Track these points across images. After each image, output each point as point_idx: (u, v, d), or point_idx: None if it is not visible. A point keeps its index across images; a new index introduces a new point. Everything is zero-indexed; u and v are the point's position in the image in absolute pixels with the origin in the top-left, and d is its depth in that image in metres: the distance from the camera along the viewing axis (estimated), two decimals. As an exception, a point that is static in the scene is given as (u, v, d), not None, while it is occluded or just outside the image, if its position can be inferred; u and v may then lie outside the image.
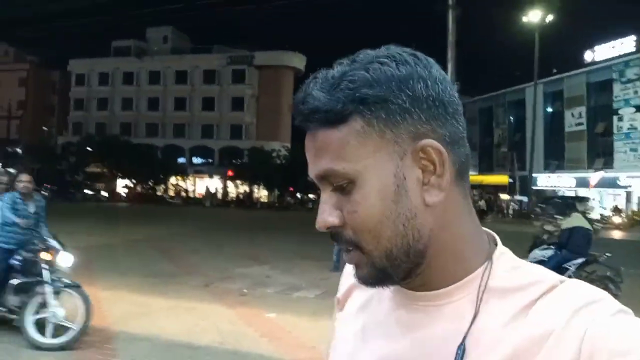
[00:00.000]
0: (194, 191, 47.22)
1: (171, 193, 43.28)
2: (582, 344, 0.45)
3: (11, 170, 5.87)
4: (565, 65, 38.80)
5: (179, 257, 10.54)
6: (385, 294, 0.62)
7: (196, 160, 50.79)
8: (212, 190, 40.26)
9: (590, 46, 36.98)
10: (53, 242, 4.91)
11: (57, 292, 4.69)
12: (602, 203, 34.87)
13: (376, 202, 0.52)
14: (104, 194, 39.35)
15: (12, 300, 4.81)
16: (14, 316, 4.78)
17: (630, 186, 32.93)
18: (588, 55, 37.01)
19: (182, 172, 45.19)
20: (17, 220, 4.92)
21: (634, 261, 10.57)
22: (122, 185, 42.75)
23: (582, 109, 37.43)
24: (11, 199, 5.01)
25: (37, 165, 45.71)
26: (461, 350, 0.51)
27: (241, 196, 41.74)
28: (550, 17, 29.69)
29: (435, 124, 0.53)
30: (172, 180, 45.15)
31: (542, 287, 0.52)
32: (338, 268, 9.36)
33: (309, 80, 0.56)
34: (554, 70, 39.41)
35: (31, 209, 5.06)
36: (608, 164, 34.88)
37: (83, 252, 10.31)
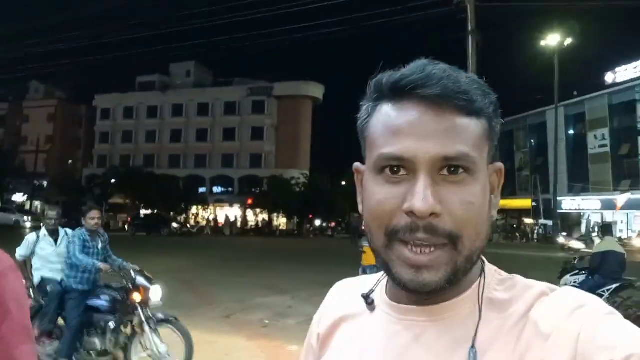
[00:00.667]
0: (215, 220, 47.54)
1: (192, 222, 43.56)
2: (578, 343, 0.48)
3: (57, 206, 5.61)
4: (586, 88, 38.49)
5: (199, 287, 10.48)
6: (383, 317, 0.61)
7: (217, 189, 51.32)
8: (232, 219, 40.41)
9: (611, 68, 36.68)
10: (141, 280, 4.60)
11: (155, 329, 4.52)
12: (630, 225, 33.80)
13: (485, 201, 0.54)
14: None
15: (111, 342, 4.56)
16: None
17: (660, 208, 31.87)
18: (609, 77, 36.64)
19: (203, 201, 45.60)
20: (101, 265, 4.55)
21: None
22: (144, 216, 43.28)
23: (605, 131, 36.78)
24: (80, 239, 4.63)
25: (62, 198, 46.86)
26: (473, 353, 0.52)
27: (260, 224, 41.80)
28: (569, 40, 29.56)
29: (494, 155, 0.58)
30: (194, 209, 45.54)
31: (534, 294, 0.55)
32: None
33: (427, 63, 0.55)
34: (575, 93, 39.03)
35: (99, 244, 4.74)
36: (635, 185, 33.96)
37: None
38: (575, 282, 7.30)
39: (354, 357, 0.61)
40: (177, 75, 55.80)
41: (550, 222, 34.72)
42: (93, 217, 4.71)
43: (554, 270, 8.13)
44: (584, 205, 37.37)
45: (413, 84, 0.52)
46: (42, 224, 5.23)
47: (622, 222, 34.30)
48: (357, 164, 0.64)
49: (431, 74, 0.53)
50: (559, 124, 34.64)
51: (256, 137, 51.08)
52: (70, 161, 57.54)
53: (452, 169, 0.52)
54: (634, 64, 35.12)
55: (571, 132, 40.25)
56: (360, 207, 0.61)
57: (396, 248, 0.53)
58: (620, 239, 26.71)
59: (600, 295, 6.88)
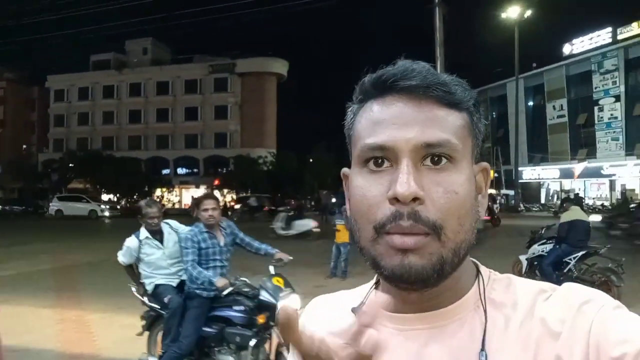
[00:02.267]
0: (180, 202, 46.61)
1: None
2: (590, 338, 0.48)
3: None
4: (545, 60, 39.39)
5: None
6: (382, 330, 0.57)
7: (181, 171, 50.24)
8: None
9: (568, 39, 37.57)
10: (266, 295, 3.71)
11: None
12: (587, 193, 35.27)
13: (470, 191, 0.54)
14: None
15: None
16: None
17: (614, 175, 33.36)
18: (566, 49, 37.58)
19: (167, 183, 44.61)
20: (218, 283, 3.64)
21: (628, 251, 10.57)
22: (106, 200, 42.03)
23: (564, 102, 37.92)
24: (193, 241, 3.76)
25: (18, 184, 44.83)
26: (483, 356, 0.52)
27: (228, 205, 41.28)
28: (528, 13, 29.99)
29: (478, 154, 0.59)
30: (158, 192, 44.53)
31: (533, 293, 0.55)
32: (335, 274, 9.15)
33: (411, 61, 0.56)
34: (534, 65, 39.92)
35: (221, 241, 3.87)
36: (591, 154, 35.36)
37: (65, 273, 10.04)
38: (543, 251, 7.49)
39: None
40: (134, 52, 53.62)
41: (512, 192, 35.82)
42: (207, 208, 3.77)
43: (519, 238, 8.30)
44: (543, 174, 38.69)
45: (393, 77, 0.54)
46: (141, 224, 4.27)
47: (579, 189, 35.73)
48: (344, 169, 0.63)
49: (411, 68, 0.55)
50: (518, 96, 35.42)
51: (220, 116, 50.02)
52: (24, 146, 54.94)
53: (436, 158, 0.52)
54: (590, 35, 36.08)
55: (530, 103, 41.31)
56: (347, 209, 0.60)
57: (383, 239, 0.52)
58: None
59: (567, 263, 7.09)
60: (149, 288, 4.19)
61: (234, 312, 3.82)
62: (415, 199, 0.50)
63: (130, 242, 4.25)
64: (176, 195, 46.95)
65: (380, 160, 0.53)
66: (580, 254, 7.05)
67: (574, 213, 7.24)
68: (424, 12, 11.13)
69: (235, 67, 49.65)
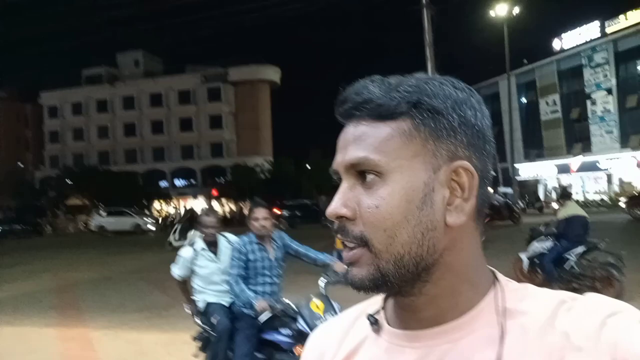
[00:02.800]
0: (179, 214, 46.48)
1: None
2: (616, 353, 0.46)
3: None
4: (536, 55, 39.55)
5: (170, 286, 10.16)
6: (389, 348, 0.58)
7: (179, 182, 50.18)
8: (198, 212, 39.69)
9: (558, 34, 37.78)
10: (316, 322, 3.13)
11: None
12: (584, 187, 35.39)
13: (401, 203, 0.52)
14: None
15: None
16: None
17: (610, 168, 33.48)
18: (556, 44, 37.78)
19: (165, 195, 44.54)
20: (258, 304, 3.28)
21: (627, 244, 10.62)
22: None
23: (556, 97, 38.10)
24: (239, 252, 3.46)
25: (14, 202, 44.66)
26: None
27: (228, 215, 41.21)
28: (516, 10, 30.18)
29: (473, 153, 0.55)
30: (156, 205, 44.44)
31: (554, 303, 0.53)
32: (333, 282, 9.12)
33: (363, 80, 0.57)
34: (525, 61, 40.10)
35: (271, 254, 3.53)
36: (586, 148, 35.48)
37: (67, 291, 10.01)
38: (543, 249, 7.51)
39: None
40: (125, 65, 53.68)
41: (509, 190, 35.91)
42: (257, 217, 3.45)
43: (519, 237, 8.33)
44: (540, 170, 38.78)
45: (337, 104, 0.57)
46: (198, 234, 4.11)
47: (577, 184, 35.85)
48: None
49: (350, 91, 0.56)
50: (511, 93, 35.58)
51: (215, 125, 50.04)
52: (19, 164, 54.77)
53: (364, 175, 0.54)
54: (579, 29, 36.31)
55: (523, 100, 41.47)
56: None
57: None
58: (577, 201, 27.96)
59: (568, 259, 7.11)
60: (200, 305, 3.94)
61: (282, 337, 3.38)
62: (341, 217, 0.54)
63: (185, 252, 4.04)
64: (175, 207, 46.86)
65: (339, 180, 0.57)
66: (580, 249, 7.07)
67: (571, 209, 7.27)
68: (413, 13, 11.20)
69: (228, 75, 49.75)
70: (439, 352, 0.54)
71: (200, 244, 3.99)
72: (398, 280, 0.53)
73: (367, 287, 0.54)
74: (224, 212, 42.72)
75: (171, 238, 17.65)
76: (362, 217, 0.53)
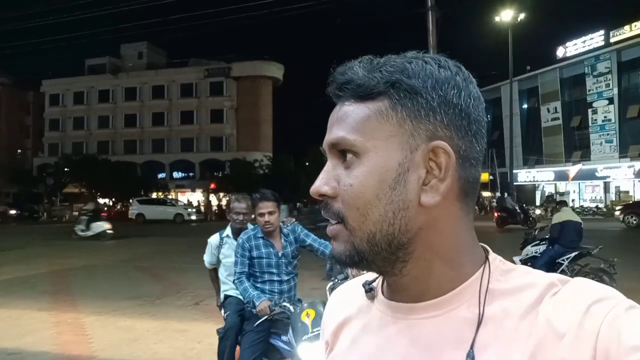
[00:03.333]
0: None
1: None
2: (597, 342, 0.45)
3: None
4: (539, 63, 39.67)
5: (164, 276, 10.24)
6: (379, 317, 0.60)
7: (177, 175, 50.18)
8: (195, 204, 39.67)
9: (562, 42, 37.83)
10: (296, 337, 2.80)
11: None
12: (581, 195, 35.47)
13: (373, 182, 0.53)
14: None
15: None
16: None
17: (608, 177, 33.54)
18: (560, 52, 37.82)
19: (163, 187, 44.52)
20: (259, 306, 2.97)
21: (620, 251, 10.68)
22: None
23: (557, 104, 38.15)
24: (242, 247, 3.18)
25: (13, 189, 44.65)
26: (470, 358, 0.50)
27: (224, 207, 41.16)
28: (522, 16, 30.20)
29: (454, 133, 0.54)
30: (154, 196, 44.44)
31: (542, 287, 0.52)
32: (331, 276, 9.13)
33: (355, 60, 0.58)
34: (528, 68, 40.16)
35: (280, 251, 3.19)
36: (585, 157, 35.53)
37: (61, 276, 10.05)
38: (536, 253, 7.57)
39: None
40: (129, 57, 53.61)
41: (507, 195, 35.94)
42: (262, 212, 3.11)
43: (514, 240, 8.38)
44: (538, 177, 38.86)
45: (328, 85, 0.59)
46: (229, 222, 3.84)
47: (574, 192, 35.96)
48: None
49: (338, 71, 0.57)
50: (512, 99, 35.63)
51: (216, 119, 50.02)
52: (19, 150, 54.74)
53: (343, 155, 0.55)
54: (583, 38, 36.35)
55: (525, 106, 41.53)
56: None
57: None
58: (572, 207, 28.07)
59: (560, 264, 7.16)
60: (221, 297, 3.74)
61: (282, 343, 3.11)
62: (323, 195, 0.56)
63: (213, 238, 3.88)
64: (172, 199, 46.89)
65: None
66: (573, 254, 7.12)
67: (565, 214, 7.33)
68: (418, 15, 11.26)
69: (231, 70, 49.71)
70: (418, 327, 0.55)
71: (227, 231, 3.81)
72: (373, 258, 0.54)
73: (346, 262, 0.56)
74: (219, 205, 42.78)
75: (77, 228, 18.93)
76: (341, 195, 0.55)
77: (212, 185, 42.47)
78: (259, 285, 3.17)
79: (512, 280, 0.54)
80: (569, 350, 0.46)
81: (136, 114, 51.88)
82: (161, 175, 48.14)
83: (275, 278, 3.16)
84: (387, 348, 0.57)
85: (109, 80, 52.18)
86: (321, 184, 0.56)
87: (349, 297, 0.68)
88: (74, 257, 13.18)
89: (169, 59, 55.01)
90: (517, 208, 20.70)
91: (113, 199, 40.63)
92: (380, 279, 0.64)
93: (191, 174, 49.51)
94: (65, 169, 40.40)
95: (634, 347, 0.43)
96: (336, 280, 2.98)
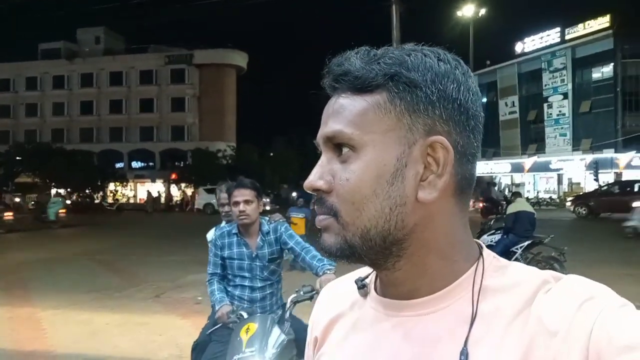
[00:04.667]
0: (134, 197, 45.38)
1: (110, 200, 41.29)
2: (590, 341, 0.44)
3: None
4: (498, 58, 40.76)
5: (124, 269, 10.02)
6: (371, 314, 0.60)
7: (136, 164, 48.84)
8: (155, 195, 38.82)
9: (520, 38, 39.00)
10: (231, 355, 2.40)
11: None
12: (536, 186, 36.93)
13: (371, 178, 0.52)
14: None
15: None
16: None
17: (561, 169, 35.04)
18: (518, 47, 39.02)
19: (122, 177, 43.29)
20: (221, 310, 2.64)
21: (570, 240, 11.24)
22: (54, 195, 40.40)
23: (515, 98, 39.46)
24: (215, 245, 2.84)
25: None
26: (464, 355, 0.50)
27: (182, 199, 40.47)
28: (483, 12, 30.94)
29: (453, 128, 0.53)
30: (111, 186, 43.17)
31: (535, 284, 0.51)
32: (295, 267, 9.13)
33: (351, 51, 0.56)
34: (488, 62, 41.28)
35: (255, 251, 2.76)
36: (540, 149, 36.98)
37: (15, 271, 9.66)
38: (492, 242, 7.86)
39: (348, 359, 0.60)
40: (85, 41, 51.46)
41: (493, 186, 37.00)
42: (238, 201, 2.68)
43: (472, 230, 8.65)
44: (495, 168, 40.15)
45: (323, 76, 0.57)
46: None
47: (529, 183, 37.37)
48: None
49: (334, 62, 0.56)
50: (473, 92, 36.52)
51: (177, 108, 48.86)
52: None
53: (339, 148, 0.54)
54: (541, 34, 37.63)
55: (484, 99, 42.70)
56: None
57: None
58: (527, 198, 29.21)
59: (514, 252, 7.47)
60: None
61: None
62: (318, 189, 0.55)
63: (209, 234, 3.59)
64: (131, 190, 45.65)
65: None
66: (526, 243, 7.45)
67: (519, 205, 7.65)
68: (382, 9, 11.36)
69: (193, 58, 48.57)
70: (410, 324, 0.55)
71: (223, 224, 3.41)
72: (366, 252, 0.54)
73: (336, 255, 0.55)
74: (182, 196, 42.08)
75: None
76: (335, 189, 0.54)
77: (174, 176, 41.64)
78: (230, 289, 2.81)
79: (506, 277, 0.54)
80: (561, 349, 0.45)
81: (93, 101, 50.02)
82: (119, 165, 46.74)
83: (247, 283, 2.76)
84: (379, 345, 0.57)
85: (64, 66, 49.98)
86: (315, 178, 0.55)
87: (341, 293, 0.67)
88: (29, 251, 12.69)
89: (127, 44, 53.17)
90: (501, 199, 21.37)
91: (69, 189, 39.18)
92: (372, 276, 0.63)
93: (151, 164, 48.29)
94: (17, 158, 38.61)
95: (626, 347, 0.42)
96: (300, 293, 2.62)
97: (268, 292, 2.80)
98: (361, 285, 0.62)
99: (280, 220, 2.99)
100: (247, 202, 2.67)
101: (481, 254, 0.57)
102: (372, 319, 0.59)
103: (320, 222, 0.56)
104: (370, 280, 0.63)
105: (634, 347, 0.42)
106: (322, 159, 0.56)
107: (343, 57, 0.55)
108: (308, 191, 0.56)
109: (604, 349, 0.43)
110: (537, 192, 34.75)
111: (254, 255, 2.75)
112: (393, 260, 0.54)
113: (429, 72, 0.53)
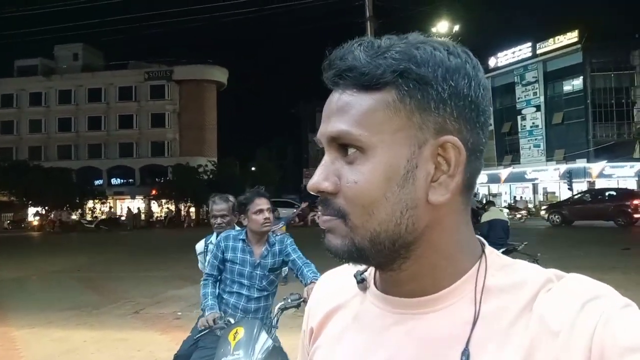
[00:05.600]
0: (114, 214, 44.75)
1: (89, 218, 40.62)
2: (592, 341, 0.43)
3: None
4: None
5: (103, 285, 9.92)
6: (371, 309, 0.58)
7: (115, 181, 48.25)
8: (134, 211, 38.35)
9: (493, 53, 40.09)
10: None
11: None
12: (511, 196, 37.70)
13: (381, 180, 0.50)
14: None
15: None
16: None
17: (536, 179, 35.87)
18: (492, 62, 40.08)
19: (101, 194, 42.70)
20: (205, 317, 2.65)
21: (544, 247, 11.55)
22: (33, 213, 39.57)
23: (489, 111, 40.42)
24: (217, 247, 2.84)
25: None
26: (465, 356, 0.49)
27: (167, 215, 40.06)
28: (456, 28, 31.76)
29: (463, 125, 0.51)
30: (90, 204, 42.51)
31: (538, 283, 0.50)
32: (287, 282, 8.47)
33: (351, 42, 0.53)
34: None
35: (257, 259, 2.78)
36: (515, 160, 37.86)
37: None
38: (467, 250, 8.07)
39: (343, 356, 0.58)
40: (63, 58, 50.96)
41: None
42: (262, 209, 2.72)
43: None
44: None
45: (323, 70, 0.54)
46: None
47: (505, 193, 38.11)
48: None
49: (335, 55, 0.53)
50: (451, 106, 37.30)
51: (157, 124, 48.59)
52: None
53: (345, 149, 0.52)
54: (513, 49, 38.79)
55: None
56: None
57: None
58: (507, 206, 29.79)
59: (489, 260, 7.69)
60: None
61: None
62: (323, 191, 0.52)
63: (198, 245, 3.58)
64: (110, 207, 45.01)
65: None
66: (500, 250, 7.64)
67: (492, 213, 7.90)
68: (357, 24, 11.66)
69: (173, 73, 48.54)
70: (412, 322, 0.54)
71: (213, 237, 3.40)
72: (374, 255, 0.52)
73: (342, 257, 0.53)
74: (164, 212, 41.64)
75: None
76: (342, 191, 0.51)
77: (154, 192, 41.24)
78: (225, 296, 2.80)
79: (509, 276, 0.52)
80: (563, 349, 0.45)
81: (71, 118, 49.43)
82: (98, 182, 46.12)
83: (244, 292, 2.76)
84: (379, 342, 0.55)
85: (41, 83, 49.37)
86: (320, 180, 0.52)
87: (339, 284, 0.66)
88: (3, 269, 12.44)
89: (106, 61, 52.86)
90: (480, 208, 21.73)
91: (46, 207, 38.45)
92: (372, 270, 0.62)
93: (130, 180, 47.77)
94: (-8, 176, 37.80)
95: (629, 348, 0.42)
96: (288, 300, 2.68)
97: (262, 304, 2.81)
98: (360, 280, 0.61)
99: (287, 234, 3.07)
100: (269, 210, 2.76)
101: (483, 251, 0.55)
102: (372, 315, 0.58)
103: (326, 223, 0.53)
104: (370, 274, 0.61)
105: (637, 348, 0.41)
106: (326, 159, 0.53)
107: (345, 49, 0.52)
108: (312, 193, 0.53)
109: (606, 350, 0.42)
110: (514, 199, 35.42)
111: (256, 263, 2.78)
112: (400, 262, 0.53)
113: (440, 67, 0.50)
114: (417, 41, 0.52)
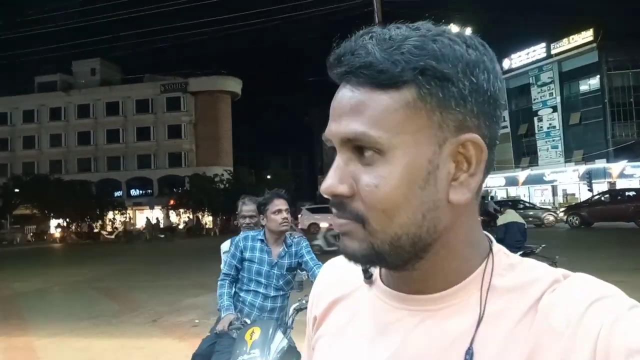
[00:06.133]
0: (133, 225, 45.37)
1: (109, 229, 41.25)
2: (597, 342, 0.42)
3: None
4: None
5: (122, 295, 10.07)
6: (377, 303, 0.57)
7: (134, 192, 49.02)
8: (153, 222, 38.81)
9: (507, 55, 39.74)
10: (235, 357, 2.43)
11: None
12: (531, 198, 37.16)
13: (402, 183, 0.48)
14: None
15: None
16: None
17: (555, 181, 35.30)
18: (506, 63, 39.72)
19: (120, 205, 43.38)
20: (225, 319, 2.66)
21: (563, 249, 11.36)
22: (55, 226, 40.37)
23: (505, 113, 39.93)
24: (236, 247, 2.90)
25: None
26: (469, 355, 0.48)
27: (187, 224, 40.43)
28: (468, 30, 31.66)
29: (482, 121, 0.50)
30: (110, 215, 43.20)
31: (545, 282, 0.49)
32: (302, 289, 8.92)
33: (360, 33, 0.50)
34: (478, 79, 41.90)
35: (275, 259, 2.87)
36: (533, 162, 37.33)
37: (14, 300, 9.70)
38: (483, 253, 7.99)
39: (349, 347, 0.58)
40: (81, 73, 52.22)
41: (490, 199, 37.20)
42: (280, 209, 2.80)
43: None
44: (490, 182, 40.41)
45: (330, 64, 0.51)
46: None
47: (524, 195, 37.56)
48: None
49: (345, 48, 0.50)
50: (465, 109, 37.06)
51: (173, 135, 49.33)
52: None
53: (361, 151, 0.49)
54: (527, 50, 38.42)
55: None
56: None
57: None
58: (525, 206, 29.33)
59: (506, 263, 7.60)
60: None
61: None
62: (338, 195, 0.50)
63: (223, 245, 3.61)
64: (130, 218, 45.66)
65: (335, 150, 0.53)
66: (517, 254, 7.54)
67: (509, 216, 7.80)
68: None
69: (188, 85, 49.30)
70: (417, 318, 0.53)
71: (240, 236, 3.42)
72: (392, 258, 0.50)
73: (359, 261, 0.52)
74: (183, 221, 42.08)
75: None
76: (360, 194, 0.49)
77: (172, 202, 41.73)
78: (242, 294, 2.86)
79: (516, 275, 0.51)
80: (568, 350, 0.44)
81: (90, 132, 50.49)
82: (118, 194, 46.89)
83: (262, 290, 2.82)
84: (383, 337, 0.55)
85: (60, 98, 50.61)
86: (335, 182, 0.50)
87: (345, 274, 0.64)
88: (26, 281, 12.71)
89: (123, 74, 53.93)
90: (498, 210, 21.50)
91: (67, 219, 39.19)
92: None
93: (149, 191, 48.47)
94: (15, 190, 38.71)
95: (635, 350, 0.41)
96: (303, 301, 2.68)
97: (278, 304, 2.88)
98: (369, 275, 0.60)
99: (303, 237, 3.13)
100: (287, 210, 2.84)
101: (491, 249, 0.54)
102: (377, 309, 0.57)
103: (342, 227, 0.51)
104: (376, 268, 0.60)
105: None
106: (339, 161, 0.50)
107: (356, 43, 0.49)
108: (326, 196, 0.51)
109: (612, 351, 0.42)
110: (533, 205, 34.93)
111: (274, 262, 2.85)
112: (414, 262, 0.51)
113: (460, 62, 0.48)
114: (433, 33, 0.49)
